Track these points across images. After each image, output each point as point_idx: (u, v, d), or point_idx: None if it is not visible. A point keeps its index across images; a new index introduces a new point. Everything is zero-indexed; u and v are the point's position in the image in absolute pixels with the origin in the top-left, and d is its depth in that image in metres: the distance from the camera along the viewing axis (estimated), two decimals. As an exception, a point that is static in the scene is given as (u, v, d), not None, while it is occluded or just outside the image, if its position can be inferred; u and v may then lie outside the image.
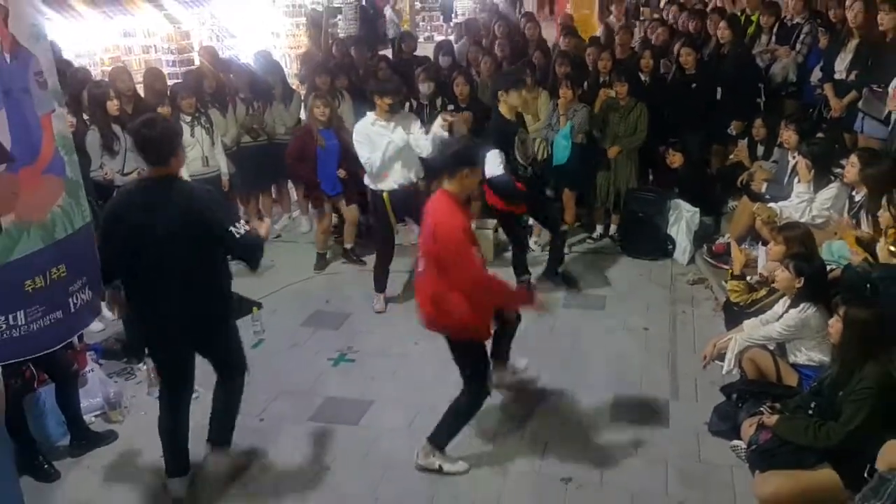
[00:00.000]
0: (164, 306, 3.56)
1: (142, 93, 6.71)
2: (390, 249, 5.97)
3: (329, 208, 6.76)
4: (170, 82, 7.05)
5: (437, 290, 3.74)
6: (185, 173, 6.23)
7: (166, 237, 3.41)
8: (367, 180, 5.79)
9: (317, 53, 9.02)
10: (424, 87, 7.05)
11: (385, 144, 5.53)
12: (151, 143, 3.47)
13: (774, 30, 7.58)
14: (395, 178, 5.66)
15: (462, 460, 4.08)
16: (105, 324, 5.72)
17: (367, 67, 8.25)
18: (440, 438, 4.03)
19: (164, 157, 3.50)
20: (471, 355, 3.92)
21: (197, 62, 8.52)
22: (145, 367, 4.95)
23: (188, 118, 6.40)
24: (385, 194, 5.66)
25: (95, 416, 4.63)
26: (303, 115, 7.28)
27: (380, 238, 5.95)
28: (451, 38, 10.24)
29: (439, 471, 4.03)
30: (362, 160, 5.65)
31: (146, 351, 4.80)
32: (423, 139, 5.55)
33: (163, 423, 3.93)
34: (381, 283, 5.99)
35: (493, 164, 5.34)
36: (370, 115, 5.68)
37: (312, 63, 8.28)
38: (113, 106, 5.69)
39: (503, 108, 5.60)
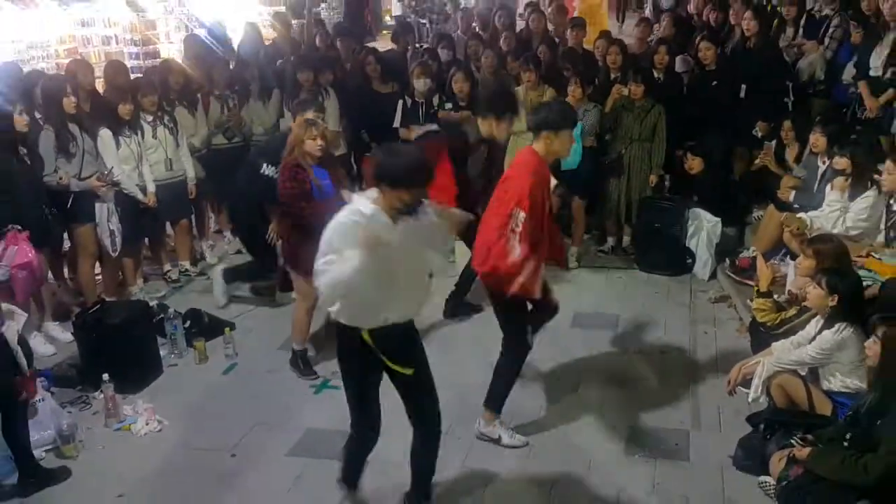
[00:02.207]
0: None
1: (101, 89, 6.73)
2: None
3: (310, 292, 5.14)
4: (133, 77, 7.07)
5: (492, 235, 4.14)
6: (147, 178, 6.31)
7: None
8: (338, 314, 3.63)
9: (290, 45, 9.02)
10: (420, 84, 7.07)
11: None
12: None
13: (801, 22, 7.64)
14: (390, 313, 3.62)
15: (521, 435, 4.50)
16: (57, 347, 5.70)
17: (355, 61, 8.29)
18: (494, 402, 4.48)
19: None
20: (513, 310, 4.36)
21: (166, 54, 8.56)
22: (102, 396, 4.91)
23: (150, 118, 6.40)
24: (366, 333, 3.60)
25: (46, 451, 4.58)
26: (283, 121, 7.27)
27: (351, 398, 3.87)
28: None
29: (498, 441, 4.47)
30: (329, 278, 3.45)
31: (104, 378, 4.81)
32: (439, 259, 4.44)
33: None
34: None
35: None
36: (366, 203, 3.50)
37: (294, 56, 8.30)
38: (70, 103, 5.68)
39: (483, 128, 5.50)
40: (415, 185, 3.43)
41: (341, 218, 3.45)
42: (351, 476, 3.98)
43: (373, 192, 3.49)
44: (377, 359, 3.60)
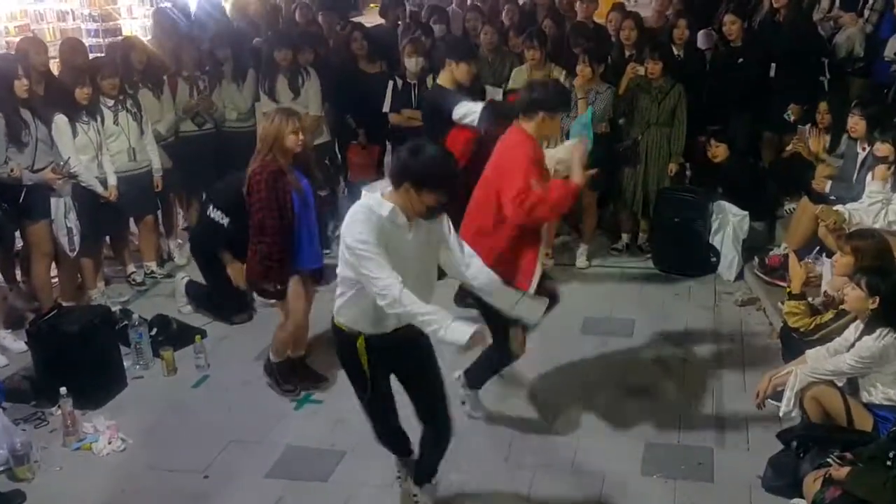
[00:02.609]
0: None
1: (56, 70, 6.72)
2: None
3: (302, 293, 5.17)
4: (92, 56, 7.06)
5: (482, 224, 4.38)
6: (108, 170, 6.30)
7: None
8: (338, 313, 3.75)
9: (267, 20, 9.05)
10: (412, 63, 7.08)
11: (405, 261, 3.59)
12: None
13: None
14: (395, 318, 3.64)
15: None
16: (9, 358, 5.70)
17: (338, 38, 8.29)
18: (473, 380, 4.81)
19: None
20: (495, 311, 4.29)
21: (128, 31, 8.56)
22: (60, 412, 4.91)
23: (111, 102, 6.40)
24: (361, 339, 3.69)
25: (-2, 473, 4.59)
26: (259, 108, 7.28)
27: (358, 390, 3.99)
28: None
29: (463, 405, 4.76)
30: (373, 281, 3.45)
31: (62, 391, 4.81)
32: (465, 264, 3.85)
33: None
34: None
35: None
36: (380, 201, 3.51)
37: (271, 33, 8.31)
38: (21, 86, 5.66)
39: (444, 78, 5.90)
40: (443, 187, 3.42)
41: (359, 210, 3.46)
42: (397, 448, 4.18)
43: (384, 186, 3.50)
44: (376, 361, 3.71)
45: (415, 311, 3.39)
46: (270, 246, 4.84)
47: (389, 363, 3.76)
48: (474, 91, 6.19)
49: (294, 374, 5.36)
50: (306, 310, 5.23)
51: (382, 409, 3.93)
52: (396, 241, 3.47)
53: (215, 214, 5.82)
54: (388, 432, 4.06)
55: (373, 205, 3.44)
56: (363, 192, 3.55)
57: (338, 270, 3.61)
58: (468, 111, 5.60)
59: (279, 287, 5.01)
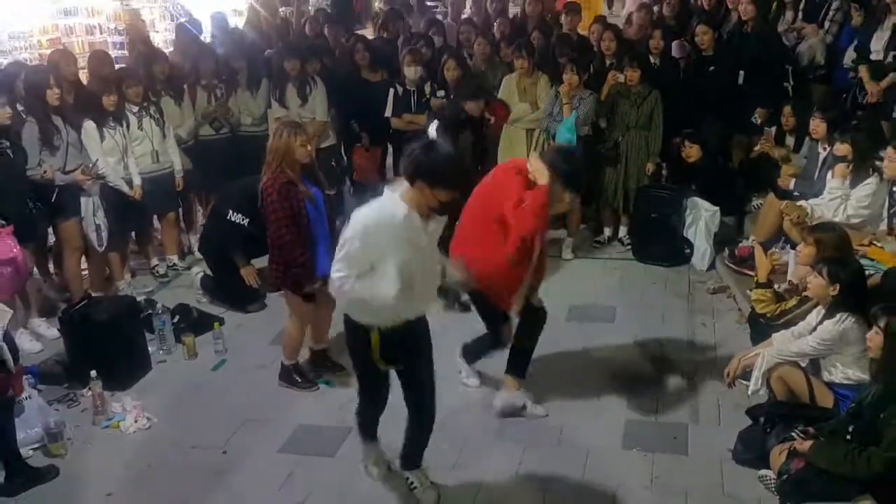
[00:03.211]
0: None
1: (84, 80, 6.69)
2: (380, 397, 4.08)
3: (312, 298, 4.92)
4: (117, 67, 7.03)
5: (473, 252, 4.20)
6: (133, 171, 6.28)
7: None
8: (349, 308, 3.69)
9: (278, 33, 9.02)
10: (411, 72, 7.05)
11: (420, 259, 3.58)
12: None
13: (801, 5, 7.63)
14: (406, 312, 3.64)
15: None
16: (43, 344, 5.68)
17: (343, 49, 8.26)
18: (468, 355, 4.91)
19: None
20: (489, 306, 4.52)
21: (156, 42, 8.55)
22: (90, 393, 4.90)
23: (135, 108, 6.36)
24: (375, 333, 3.64)
25: (33, 450, 4.56)
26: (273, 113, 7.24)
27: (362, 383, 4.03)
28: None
29: (459, 373, 4.95)
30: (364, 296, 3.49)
31: (92, 374, 4.80)
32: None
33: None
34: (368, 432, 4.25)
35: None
36: (398, 202, 3.44)
37: (281, 44, 8.28)
38: (53, 95, 5.64)
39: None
40: (455, 183, 3.41)
41: (371, 218, 3.39)
42: (367, 432, 4.15)
43: (400, 187, 3.45)
44: (386, 354, 3.67)
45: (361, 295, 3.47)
46: (290, 256, 4.71)
47: (395, 355, 3.71)
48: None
49: (320, 365, 5.24)
50: (304, 326, 5.03)
51: (376, 398, 3.96)
52: (413, 241, 3.43)
53: (235, 217, 5.83)
54: (369, 417, 4.07)
55: (390, 208, 3.39)
56: (385, 191, 3.48)
57: None
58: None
59: (313, 286, 4.78)
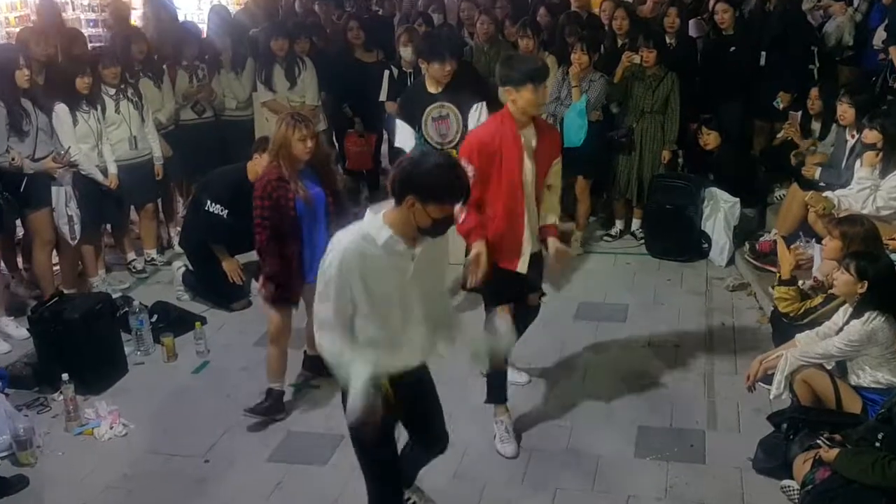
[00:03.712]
0: None
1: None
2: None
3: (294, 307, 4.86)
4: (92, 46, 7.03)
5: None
6: (108, 158, 6.28)
7: None
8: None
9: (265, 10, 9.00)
10: (407, 53, 7.04)
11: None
12: None
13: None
14: (407, 356, 3.37)
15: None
16: (11, 344, 5.69)
17: (335, 28, 8.26)
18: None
19: None
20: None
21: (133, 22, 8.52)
22: (62, 397, 4.90)
23: (112, 91, 6.36)
24: (385, 383, 3.26)
25: (1, 458, 4.57)
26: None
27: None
28: None
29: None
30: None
31: (64, 377, 4.80)
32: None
33: None
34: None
35: (404, 134, 5.56)
36: (379, 226, 3.09)
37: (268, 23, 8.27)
38: (22, 76, 5.62)
39: (427, 80, 5.51)
40: (450, 199, 3.02)
41: (346, 243, 3.04)
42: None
43: (384, 207, 3.12)
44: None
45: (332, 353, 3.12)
46: (273, 266, 4.63)
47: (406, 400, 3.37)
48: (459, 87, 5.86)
49: (316, 371, 5.10)
50: (285, 345, 4.89)
51: (397, 481, 3.61)
52: (392, 270, 3.09)
53: (214, 208, 5.82)
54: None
55: (371, 231, 3.04)
56: (367, 213, 3.16)
57: None
58: (405, 143, 5.53)
59: (293, 300, 4.76)
